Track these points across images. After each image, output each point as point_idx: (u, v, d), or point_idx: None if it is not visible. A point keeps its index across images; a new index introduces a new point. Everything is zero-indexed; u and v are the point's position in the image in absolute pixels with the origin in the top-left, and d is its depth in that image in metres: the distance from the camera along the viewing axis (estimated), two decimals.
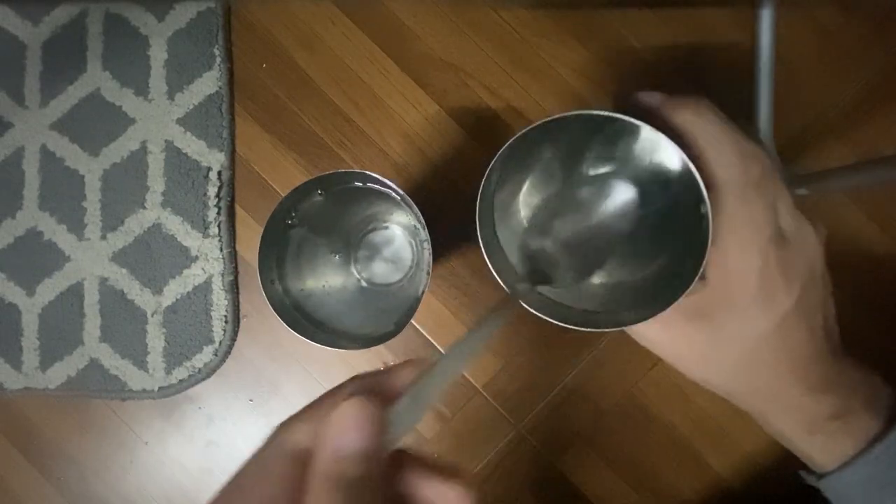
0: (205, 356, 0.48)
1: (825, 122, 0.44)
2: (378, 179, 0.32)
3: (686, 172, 0.22)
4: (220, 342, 0.48)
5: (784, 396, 0.25)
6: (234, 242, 0.49)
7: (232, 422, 0.49)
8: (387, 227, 0.43)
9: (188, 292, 0.48)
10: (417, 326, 0.47)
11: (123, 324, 0.49)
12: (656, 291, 0.25)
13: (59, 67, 0.50)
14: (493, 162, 0.25)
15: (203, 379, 0.49)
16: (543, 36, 0.46)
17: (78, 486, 0.51)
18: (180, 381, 0.48)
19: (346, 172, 0.33)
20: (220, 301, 0.48)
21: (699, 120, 0.23)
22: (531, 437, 0.47)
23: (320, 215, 0.37)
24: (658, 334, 0.26)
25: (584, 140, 0.29)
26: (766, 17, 0.42)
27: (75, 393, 0.50)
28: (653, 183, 0.27)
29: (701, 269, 0.22)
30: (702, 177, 0.22)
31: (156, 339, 0.49)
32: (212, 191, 0.48)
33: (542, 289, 0.28)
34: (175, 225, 0.48)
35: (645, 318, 0.23)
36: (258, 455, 0.18)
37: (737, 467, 0.45)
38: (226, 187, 0.48)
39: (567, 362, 0.46)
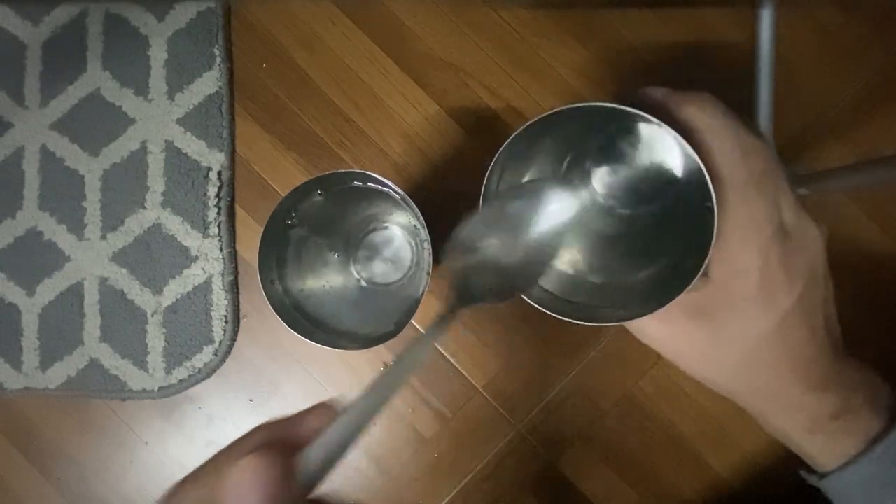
0: (205, 356, 0.48)
1: (825, 122, 0.44)
2: (378, 179, 0.32)
3: (689, 167, 0.22)
4: (220, 342, 0.48)
5: (785, 396, 0.25)
6: (234, 242, 0.49)
7: (232, 422, 0.49)
8: (387, 227, 0.43)
9: (188, 292, 0.48)
10: (417, 326, 0.47)
11: (123, 324, 0.49)
12: (657, 291, 0.25)
13: (59, 67, 0.50)
14: (495, 159, 0.25)
15: (203, 379, 0.49)
16: (543, 36, 0.46)
17: (78, 486, 0.51)
18: (180, 381, 0.48)
19: (345, 172, 0.33)
20: (220, 301, 0.48)
21: (702, 114, 0.23)
22: (531, 437, 0.47)
23: (320, 215, 0.37)
24: (659, 331, 0.26)
25: (584, 137, 0.29)
26: (766, 17, 0.42)
27: (75, 393, 0.50)
28: (654, 180, 0.26)
29: (704, 265, 0.22)
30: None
31: (156, 339, 0.49)
32: (212, 191, 0.48)
33: (543, 284, 0.27)
34: (175, 225, 0.48)
35: (646, 313, 0.23)
36: None
37: (737, 467, 0.45)
38: (226, 187, 0.48)
39: (567, 362, 0.46)
